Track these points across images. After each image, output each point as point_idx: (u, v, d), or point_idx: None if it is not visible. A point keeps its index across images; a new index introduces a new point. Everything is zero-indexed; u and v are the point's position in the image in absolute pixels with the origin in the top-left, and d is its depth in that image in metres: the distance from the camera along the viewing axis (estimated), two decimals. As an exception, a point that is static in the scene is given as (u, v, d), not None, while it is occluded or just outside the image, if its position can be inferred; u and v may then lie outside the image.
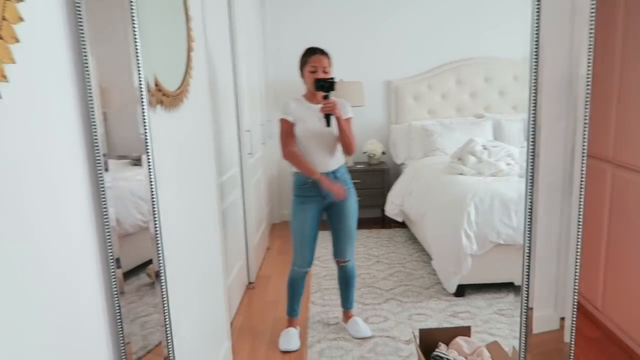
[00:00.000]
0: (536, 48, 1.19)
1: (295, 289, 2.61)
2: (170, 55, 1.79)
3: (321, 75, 2.33)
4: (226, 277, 2.72)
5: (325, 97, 2.29)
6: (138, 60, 1.16)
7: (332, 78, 2.32)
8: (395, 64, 4.83)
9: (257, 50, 4.29)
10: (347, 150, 2.42)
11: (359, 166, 4.58)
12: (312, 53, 2.39)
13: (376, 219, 4.81)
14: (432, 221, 3.22)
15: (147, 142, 1.19)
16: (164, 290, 1.29)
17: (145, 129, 1.18)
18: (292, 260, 2.57)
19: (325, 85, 2.30)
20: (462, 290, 3.03)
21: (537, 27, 1.18)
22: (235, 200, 3.16)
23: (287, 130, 2.41)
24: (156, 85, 1.56)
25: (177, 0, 1.87)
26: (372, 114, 4.80)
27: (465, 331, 1.86)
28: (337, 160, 2.46)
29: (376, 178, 4.55)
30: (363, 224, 4.63)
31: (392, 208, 4.16)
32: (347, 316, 2.70)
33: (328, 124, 2.32)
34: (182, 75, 1.88)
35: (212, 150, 2.37)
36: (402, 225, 4.38)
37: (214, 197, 2.37)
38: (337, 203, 2.44)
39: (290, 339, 2.56)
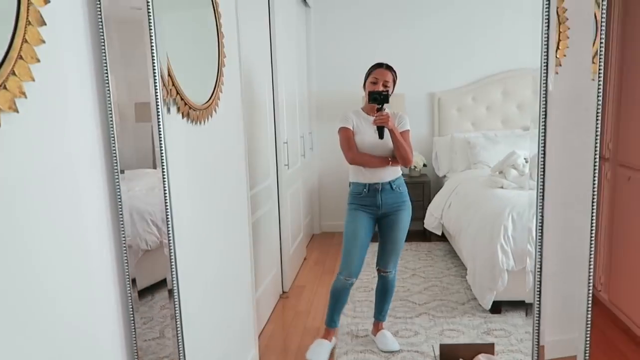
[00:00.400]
0: (546, 57, 1.16)
1: (338, 299, 2.56)
2: (200, 71, 1.89)
3: (380, 89, 2.39)
4: (257, 287, 2.78)
5: (379, 110, 2.34)
6: (155, 77, 1.24)
7: (386, 91, 2.38)
8: (439, 76, 4.78)
9: (300, 62, 4.39)
10: (403, 162, 2.43)
11: (409, 165, 4.55)
12: (377, 66, 2.47)
13: (417, 231, 4.73)
14: (468, 235, 3.15)
15: (162, 157, 1.26)
16: (176, 306, 1.35)
17: (161, 143, 1.25)
18: (338, 270, 2.54)
19: (378, 98, 2.35)
20: (498, 307, 2.93)
21: (546, 36, 1.15)
22: (270, 210, 3.23)
23: (348, 137, 2.46)
24: (182, 99, 1.65)
25: (209, 18, 1.97)
26: (414, 126, 4.65)
27: (488, 348, 1.81)
28: (393, 172, 2.48)
29: (417, 190, 4.50)
30: (403, 236, 4.59)
31: (432, 221, 4.10)
32: (377, 328, 2.69)
33: (381, 135, 2.36)
34: (211, 90, 1.97)
35: (244, 162, 2.45)
36: (443, 238, 4.30)
37: (245, 208, 2.44)
38: (391, 215, 2.47)
39: (320, 351, 2.54)
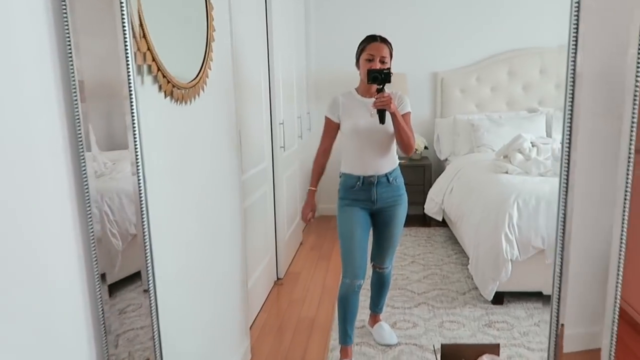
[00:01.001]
0: (575, 31, 1.01)
1: (347, 307, 2.22)
2: (185, 46, 1.73)
3: (377, 66, 2.09)
4: (250, 275, 2.67)
5: (379, 91, 2.02)
6: (126, 48, 1.08)
7: (388, 69, 2.06)
8: (443, 55, 4.59)
9: (299, 39, 4.20)
10: (406, 150, 2.14)
11: (400, 161, 4.37)
12: (371, 40, 2.15)
13: (416, 216, 4.61)
14: (471, 222, 3.02)
15: (135, 134, 1.11)
16: (152, 305, 1.22)
17: (133, 118, 1.10)
18: (342, 274, 2.24)
19: (379, 77, 2.03)
20: (500, 298, 2.82)
21: (577, 5, 0.99)
22: (265, 194, 3.09)
23: (327, 129, 2.25)
24: (164, 76, 1.49)
25: (196, -12, 1.80)
26: (415, 108, 4.49)
27: (493, 349, 1.69)
28: (391, 162, 2.22)
29: (418, 174, 4.35)
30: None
31: (432, 206, 3.97)
32: (374, 320, 2.58)
33: (382, 120, 2.05)
34: (198, 66, 1.81)
35: (236, 144, 2.30)
36: (443, 224, 4.17)
37: (237, 193, 2.30)
38: (386, 210, 2.22)
39: None
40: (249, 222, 2.65)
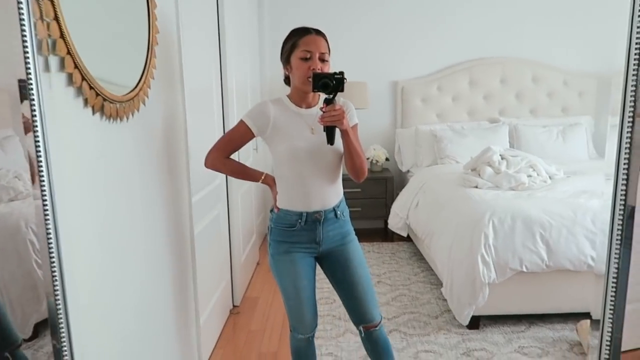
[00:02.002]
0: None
1: (304, 358, 1.86)
2: (119, 49, 1.41)
3: (318, 66, 1.60)
4: (203, 309, 2.35)
5: (329, 102, 1.53)
6: (26, 50, 0.77)
7: (341, 72, 1.54)
8: (403, 64, 4.43)
9: (253, 43, 3.91)
10: (358, 175, 1.71)
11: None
12: (303, 33, 1.65)
13: (378, 230, 4.42)
14: (442, 242, 2.83)
15: (40, 160, 0.80)
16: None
17: (39, 155, 0.79)
18: (290, 326, 1.84)
19: (330, 84, 1.53)
20: (476, 322, 2.65)
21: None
22: (219, 215, 2.78)
23: (234, 136, 1.73)
24: (91, 87, 1.17)
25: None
26: (376, 117, 4.40)
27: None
28: (338, 192, 1.76)
29: (379, 187, 4.16)
30: (364, 236, 4.26)
31: (397, 221, 3.77)
32: None
33: (331, 140, 1.57)
34: (138, 75, 1.49)
35: (185, 163, 1.99)
36: (407, 238, 3.99)
37: (185, 219, 1.99)
38: (336, 250, 1.75)
39: None
40: (202, 248, 2.33)
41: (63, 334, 0.94)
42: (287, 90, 1.75)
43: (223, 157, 1.76)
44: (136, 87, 1.45)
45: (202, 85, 2.47)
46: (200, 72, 2.41)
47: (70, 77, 1.09)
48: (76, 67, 1.10)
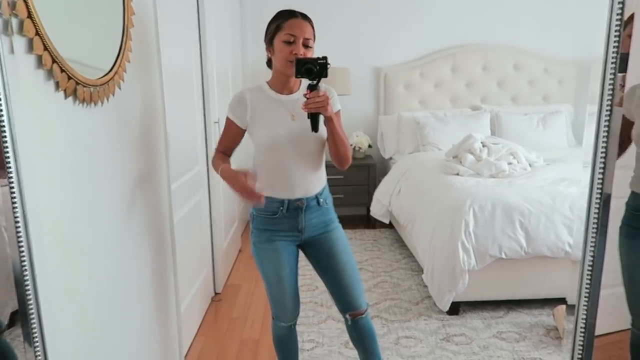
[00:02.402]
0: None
1: (287, 348, 1.86)
2: (93, 31, 1.36)
3: (301, 51, 1.57)
4: (184, 296, 2.33)
5: (313, 88, 1.50)
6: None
7: (324, 58, 1.51)
8: (386, 50, 4.41)
9: (234, 26, 3.84)
10: (342, 163, 1.69)
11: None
12: (289, 16, 1.61)
13: (360, 217, 4.43)
14: (423, 229, 2.85)
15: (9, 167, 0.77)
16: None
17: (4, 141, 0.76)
18: (272, 314, 1.84)
19: (313, 70, 1.49)
20: (456, 308, 2.68)
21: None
22: (200, 202, 2.74)
23: (227, 132, 1.71)
24: (62, 69, 1.13)
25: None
26: (358, 104, 4.38)
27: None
28: (322, 179, 1.74)
29: (362, 174, 4.16)
30: (346, 223, 4.22)
31: (379, 208, 3.79)
32: None
33: (315, 127, 1.54)
34: (113, 58, 1.45)
35: (163, 149, 1.95)
36: (390, 225, 4.01)
37: (165, 207, 1.96)
38: (319, 238, 1.73)
39: None
40: (182, 235, 2.30)
41: (34, 324, 0.91)
42: (269, 75, 1.71)
43: (223, 156, 1.73)
44: (111, 70, 1.41)
45: (181, 69, 2.42)
46: (179, 55, 2.36)
47: (39, 59, 1.05)
48: (46, 48, 1.06)
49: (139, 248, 1.68)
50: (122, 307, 1.52)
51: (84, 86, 1.24)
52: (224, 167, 1.62)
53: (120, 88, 1.46)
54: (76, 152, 1.23)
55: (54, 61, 1.09)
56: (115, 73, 1.43)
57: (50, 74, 1.09)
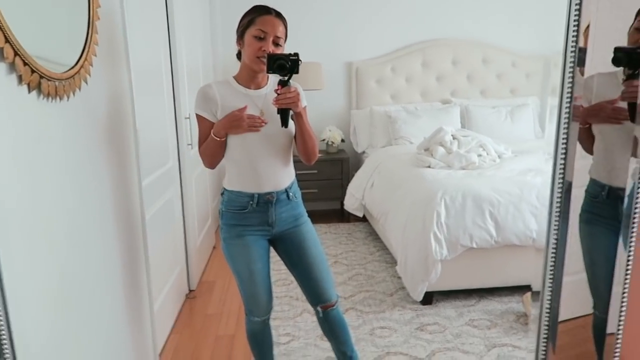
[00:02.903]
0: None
1: (261, 343, 1.86)
2: (57, 23, 1.33)
3: (270, 48, 1.58)
4: (158, 294, 2.30)
5: (284, 84, 1.53)
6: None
7: (296, 54, 1.53)
8: (357, 44, 4.43)
9: (204, 20, 3.79)
10: (310, 158, 1.72)
11: (319, 155, 4.19)
12: (262, 12, 1.61)
13: (334, 211, 4.46)
14: (396, 221, 2.89)
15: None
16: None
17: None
18: (245, 310, 1.82)
19: (285, 65, 1.51)
20: (429, 298, 2.73)
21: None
22: (172, 198, 2.71)
23: (203, 132, 1.67)
24: (25, 63, 1.10)
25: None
26: (331, 99, 4.40)
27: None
28: (291, 173, 1.75)
29: (335, 168, 4.18)
30: (320, 217, 4.29)
31: (352, 202, 3.81)
32: None
33: (285, 122, 1.57)
34: (79, 51, 1.42)
35: (133, 145, 1.92)
36: (363, 218, 4.05)
37: (135, 204, 1.93)
38: (290, 232, 1.74)
39: None
40: (154, 233, 2.27)
41: (1, 324, 0.89)
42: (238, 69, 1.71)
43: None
44: (77, 64, 1.38)
45: (151, 63, 2.38)
46: (147, 49, 2.32)
47: (1, 52, 1.02)
48: (7, 41, 1.03)
49: (108, 246, 1.65)
50: (91, 308, 1.49)
51: (49, 80, 1.21)
52: (212, 131, 1.62)
53: (86, 82, 1.43)
54: (42, 148, 1.20)
55: (16, 54, 1.06)
56: (81, 67, 1.40)
57: (12, 67, 1.06)
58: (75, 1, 1.42)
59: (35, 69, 1.14)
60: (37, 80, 1.16)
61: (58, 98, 1.27)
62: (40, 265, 1.18)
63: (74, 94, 1.35)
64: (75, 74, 1.36)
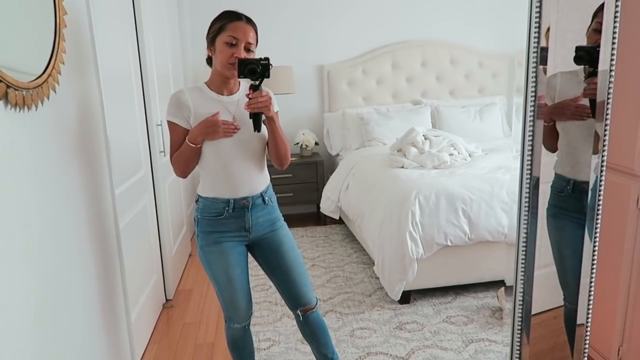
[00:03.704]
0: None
1: (242, 350, 1.85)
2: (22, 31, 1.30)
3: (242, 54, 1.58)
4: (133, 305, 2.27)
5: (255, 88, 1.53)
6: None
7: (267, 59, 1.53)
8: (328, 47, 4.46)
9: (172, 27, 3.75)
10: (282, 163, 1.72)
11: (291, 159, 4.19)
12: (233, 18, 1.60)
13: (311, 214, 4.47)
14: (372, 222, 2.92)
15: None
16: None
17: None
18: (224, 317, 1.81)
19: (256, 70, 1.51)
20: (407, 297, 2.77)
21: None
22: (146, 206, 2.67)
23: (176, 140, 1.64)
24: (-9, 73, 1.08)
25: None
26: (303, 102, 4.42)
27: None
28: (265, 177, 1.75)
29: (310, 171, 4.19)
30: (297, 221, 4.29)
31: (328, 204, 3.83)
32: None
33: (257, 127, 1.57)
34: (46, 60, 1.39)
35: (104, 154, 1.89)
36: (340, 221, 4.07)
37: (108, 214, 1.90)
38: (267, 237, 1.74)
39: None
40: (129, 242, 2.24)
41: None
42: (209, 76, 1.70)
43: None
44: (44, 72, 1.35)
45: (120, 70, 2.35)
46: (116, 56, 2.29)
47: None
48: (-29, 51, 1.01)
49: (82, 257, 1.62)
50: (65, 320, 1.46)
51: (16, 89, 1.19)
52: (187, 138, 1.60)
53: (55, 91, 1.40)
54: (11, 159, 1.18)
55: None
56: (49, 75, 1.37)
57: (-23, 78, 1.04)
58: (41, 9, 1.40)
59: (1, 79, 1.12)
60: (4, 90, 1.14)
61: (26, 108, 1.25)
62: (8, 278, 1.15)
63: (42, 103, 1.33)
64: (44, 82, 1.34)
